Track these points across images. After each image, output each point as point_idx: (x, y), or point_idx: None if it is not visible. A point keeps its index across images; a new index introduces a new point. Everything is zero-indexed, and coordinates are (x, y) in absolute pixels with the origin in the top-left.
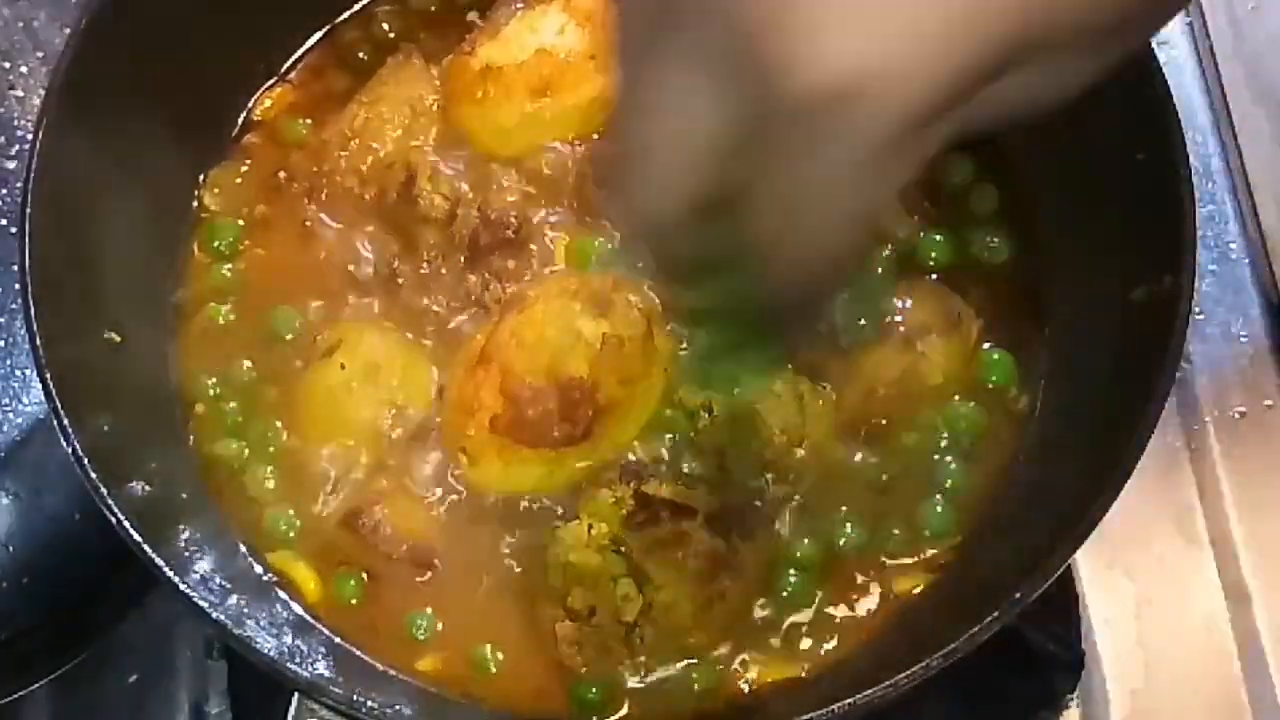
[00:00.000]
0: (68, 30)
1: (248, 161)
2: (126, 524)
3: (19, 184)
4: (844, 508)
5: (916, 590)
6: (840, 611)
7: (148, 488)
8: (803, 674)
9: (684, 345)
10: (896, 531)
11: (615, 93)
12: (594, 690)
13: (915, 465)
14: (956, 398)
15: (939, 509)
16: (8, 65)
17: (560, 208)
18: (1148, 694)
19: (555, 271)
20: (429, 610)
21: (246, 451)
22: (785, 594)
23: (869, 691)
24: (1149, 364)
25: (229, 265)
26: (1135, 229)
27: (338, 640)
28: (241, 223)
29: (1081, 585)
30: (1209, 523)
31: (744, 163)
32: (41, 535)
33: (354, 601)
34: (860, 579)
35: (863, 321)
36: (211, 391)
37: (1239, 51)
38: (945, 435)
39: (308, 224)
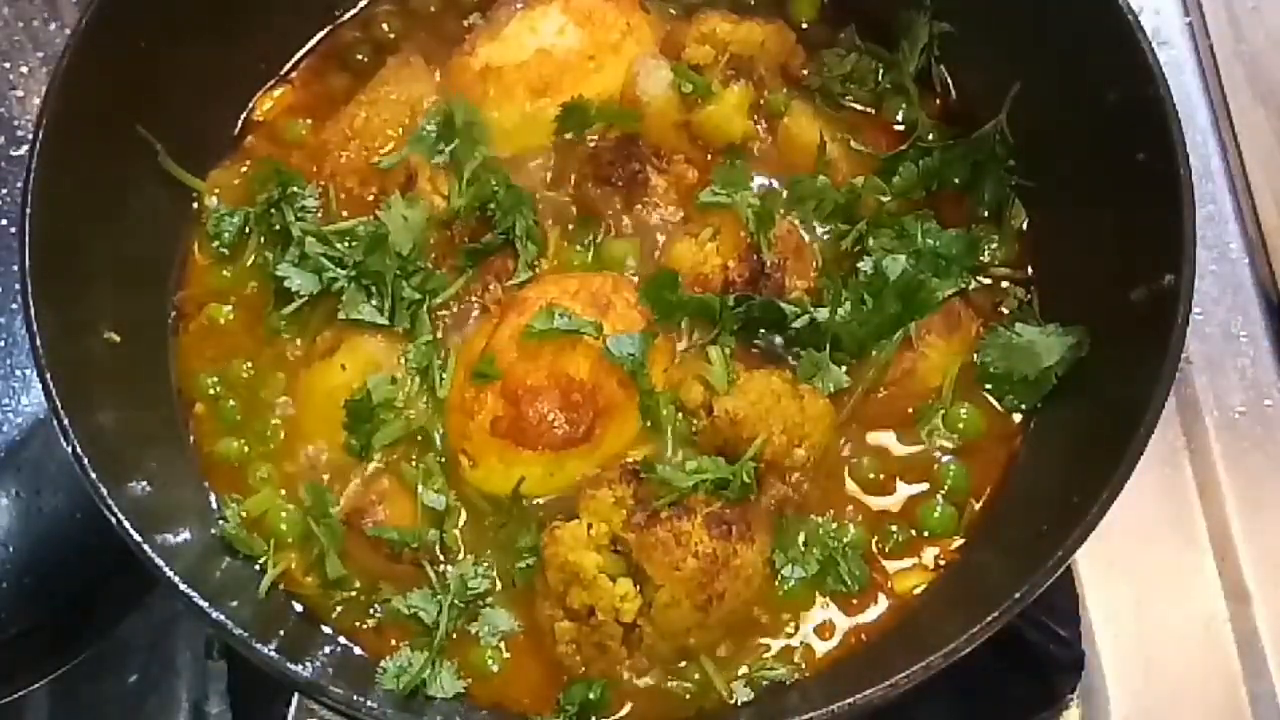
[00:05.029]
0: (68, 31)
1: (247, 162)
2: (126, 524)
3: (19, 184)
4: (844, 507)
5: (916, 590)
6: (840, 612)
7: (148, 487)
8: (803, 674)
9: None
10: (896, 531)
11: None
12: (593, 689)
13: (915, 465)
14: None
15: (939, 509)
16: (8, 65)
17: (560, 207)
18: (1148, 694)
19: (554, 272)
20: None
21: (246, 450)
22: (784, 594)
23: (869, 691)
24: (1149, 364)
25: (229, 266)
26: (1135, 229)
27: (338, 640)
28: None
29: (1081, 585)
30: (1209, 523)
31: None
32: (41, 535)
33: (355, 601)
34: (862, 578)
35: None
36: (211, 391)
37: (1239, 51)
38: (945, 435)
39: None
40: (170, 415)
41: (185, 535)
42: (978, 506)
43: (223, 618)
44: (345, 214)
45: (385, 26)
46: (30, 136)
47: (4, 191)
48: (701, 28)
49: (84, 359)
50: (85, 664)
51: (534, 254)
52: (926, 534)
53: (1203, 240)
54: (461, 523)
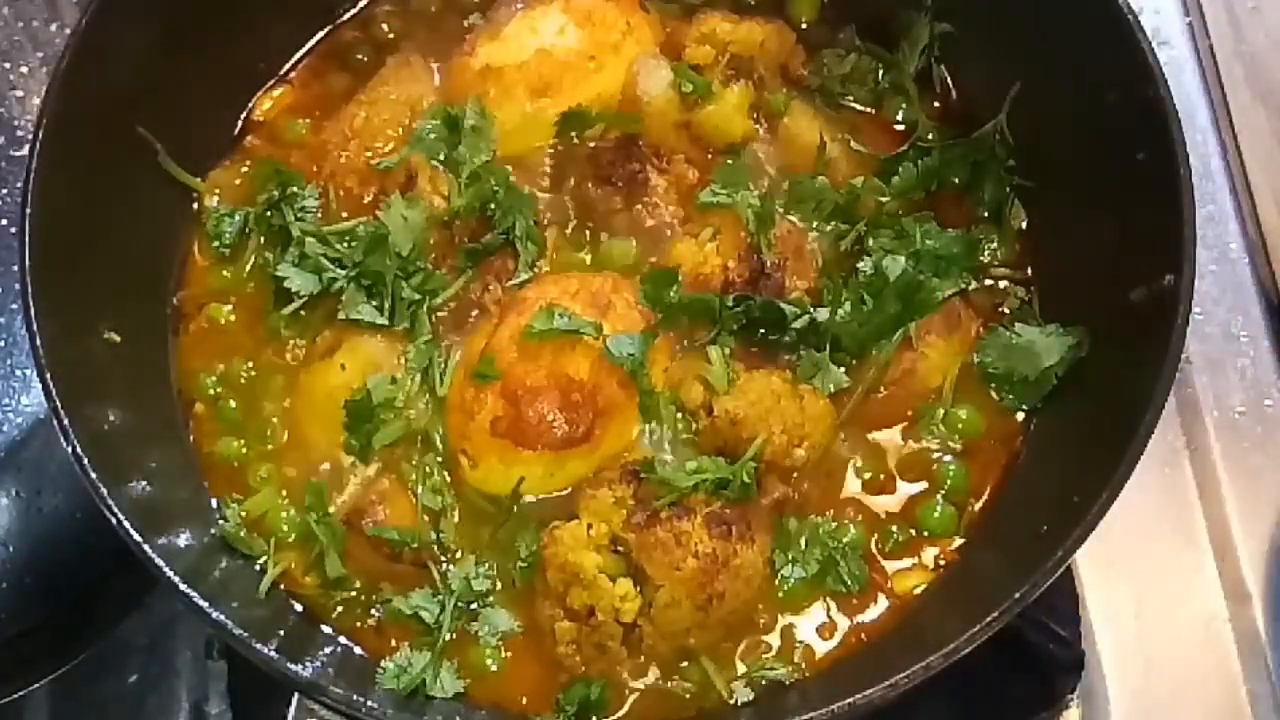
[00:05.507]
0: (68, 30)
1: (247, 162)
2: (126, 523)
3: (19, 184)
4: (844, 508)
5: (916, 590)
6: (840, 612)
7: (148, 487)
8: (803, 674)
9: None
10: (896, 531)
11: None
12: (593, 689)
13: (915, 465)
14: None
15: (939, 509)
16: (8, 65)
17: (560, 208)
18: (1148, 694)
19: (554, 272)
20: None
21: (246, 450)
22: (784, 594)
23: (869, 691)
24: (1149, 364)
25: (229, 266)
26: (1135, 229)
27: (338, 640)
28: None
29: (1081, 585)
30: (1209, 523)
31: None
32: (41, 535)
33: (355, 601)
34: (861, 579)
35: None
36: (211, 391)
37: (1239, 51)
38: (945, 435)
39: None
40: (170, 415)
41: (185, 535)
42: (978, 506)
43: (223, 618)
44: (345, 214)
45: (385, 26)
46: (30, 136)
47: (4, 191)
48: (701, 28)
49: (84, 359)
50: (85, 664)
51: (534, 254)
52: (926, 534)
53: (1203, 240)
54: (460, 523)
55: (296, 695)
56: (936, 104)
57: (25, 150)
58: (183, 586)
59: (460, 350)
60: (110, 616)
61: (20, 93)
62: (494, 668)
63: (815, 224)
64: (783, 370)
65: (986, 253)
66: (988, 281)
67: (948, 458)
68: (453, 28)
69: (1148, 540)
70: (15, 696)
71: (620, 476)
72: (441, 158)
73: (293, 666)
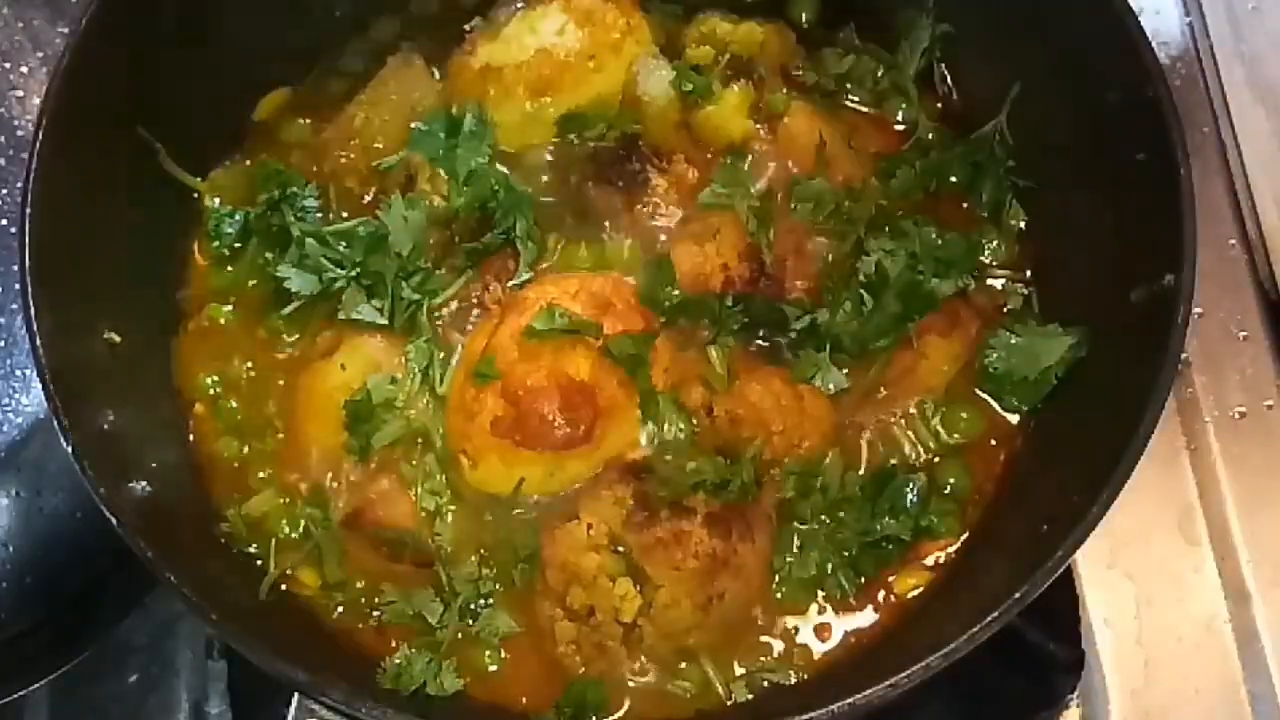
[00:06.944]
0: (67, 31)
1: (247, 162)
2: (126, 523)
3: (19, 184)
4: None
5: (916, 590)
6: (840, 612)
7: (148, 487)
8: (802, 674)
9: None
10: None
11: None
12: (592, 689)
13: (915, 465)
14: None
15: (939, 509)
16: (8, 65)
17: (560, 208)
18: (1148, 694)
19: (554, 272)
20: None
21: (246, 450)
22: (784, 594)
23: (869, 691)
24: (1149, 364)
25: (229, 266)
26: (1135, 229)
27: (338, 640)
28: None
29: (1081, 585)
30: (1209, 523)
31: None
32: (41, 535)
33: (355, 601)
34: (860, 579)
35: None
36: (211, 391)
37: (1239, 51)
38: (945, 435)
39: None
40: (170, 415)
41: (185, 536)
42: (978, 506)
43: (223, 618)
44: (345, 214)
45: (385, 28)
46: (30, 136)
47: (4, 191)
48: (701, 28)
49: (84, 359)
50: (85, 664)
51: (534, 254)
52: (927, 534)
53: (1203, 240)
54: (460, 523)
55: (296, 695)
56: (937, 104)
57: (25, 150)
58: (183, 587)
59: (460, 350)
60: (110, 616)
61: (20, 93)
62: (494, 668)
63: (815, 224)
64: (783, 370)
65: (986, 253)
66: (988, 281)
67: (948, 457)
68: (453, 29)
69: (1148, 540)
70: (15, 696)
71: (620, 476)
72: (440, 153)
73: (293, 666)
